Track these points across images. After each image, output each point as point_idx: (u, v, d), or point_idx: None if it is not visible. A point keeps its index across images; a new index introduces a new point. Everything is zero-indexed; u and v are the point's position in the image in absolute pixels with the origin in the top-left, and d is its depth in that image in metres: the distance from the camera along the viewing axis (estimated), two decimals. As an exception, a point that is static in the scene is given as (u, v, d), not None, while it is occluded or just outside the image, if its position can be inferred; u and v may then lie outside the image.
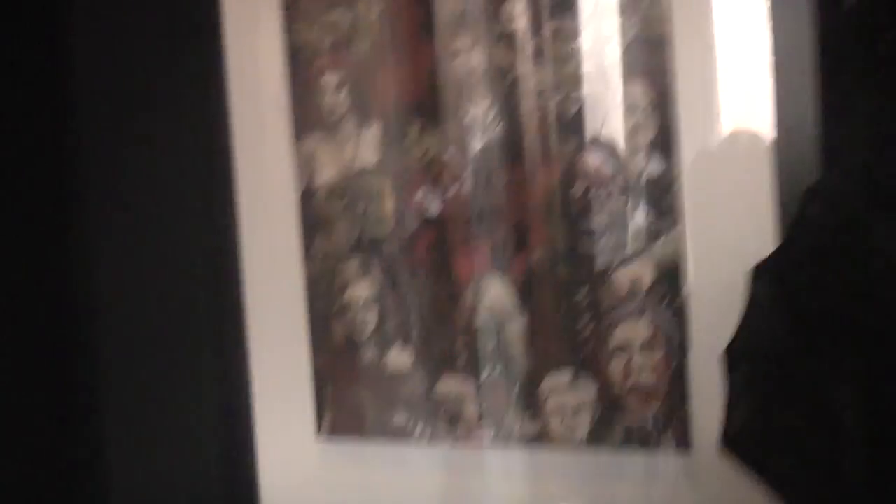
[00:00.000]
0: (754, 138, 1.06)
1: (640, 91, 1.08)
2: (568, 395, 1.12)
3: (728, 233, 1.06)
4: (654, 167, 1.08)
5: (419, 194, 1.17)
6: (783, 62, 1.02)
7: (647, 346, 1.09)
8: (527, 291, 1.14)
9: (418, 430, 1.20)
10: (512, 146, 1.13)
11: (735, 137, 1.07)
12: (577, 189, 1.11)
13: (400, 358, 1.19)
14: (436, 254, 1.17)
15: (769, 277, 0.78)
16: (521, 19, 1.12)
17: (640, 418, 1.09)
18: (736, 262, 1.01)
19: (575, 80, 1.10)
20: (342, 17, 1.18)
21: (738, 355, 0.80)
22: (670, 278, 1.08)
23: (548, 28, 1.11)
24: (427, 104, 1.15)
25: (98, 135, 1.28)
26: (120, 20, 1.27)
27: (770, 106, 1.04)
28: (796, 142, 1.04)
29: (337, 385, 1.23)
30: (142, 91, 1.25)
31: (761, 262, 0.81)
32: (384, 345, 1.20)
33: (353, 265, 1.21)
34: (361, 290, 1.20)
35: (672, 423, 1.08)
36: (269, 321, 1.25)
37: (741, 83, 1.05)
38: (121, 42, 1.26)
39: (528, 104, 1.12)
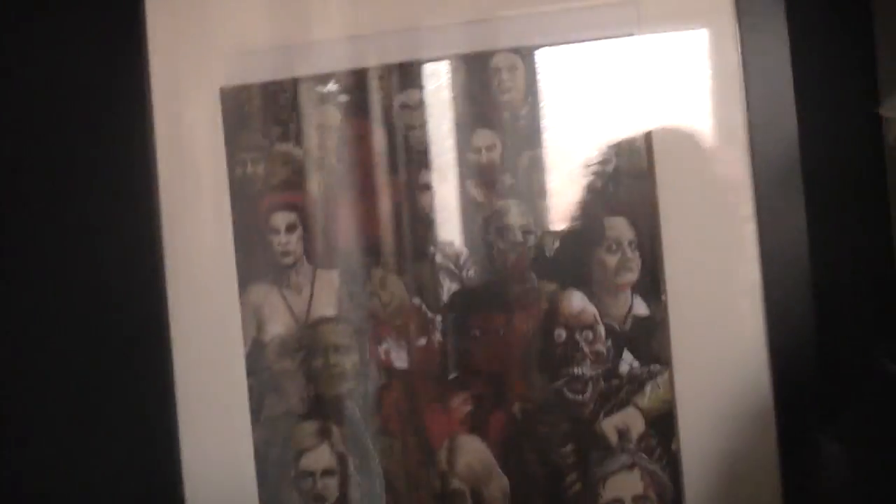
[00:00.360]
0: (744, 278, 1.32)
1: (624, 228, 1.34)
2: (556, 566, 1.33)
3: (720, 378, 1.31)
4: (639, 309, 1.34)
5: (384, 346, 1.40)
6: (767, 197, 1.30)
7: (639, 501, 1.32)
8: (507, 450, 1.36)
9: None
10: (487, 291, 1.38)
11: (723, 276, 1.33)
12: (559, 335, 1.35)
13: (366, 532, 1.39)
14: (404, 412, 1.39)
15: (843, 438, 1.00)
16: (493, 151, 1.38)
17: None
18: (729, 409, 1.27)
19: (553, 217, 1.37)
20: (294, 150, 1.44)
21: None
22: (661, 427, 1.32)
23: (525, 158, 1.38)
24: (391, 246, 1.40)
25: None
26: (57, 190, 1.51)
27: (756, 247, 1.31)
28: (786, 279, 1.31)
29: (293, 568, 1.42)
30: (72, 252, 1.49)
31: (829, 422, 1.05)
32: (347, 518, 1.40)
33: (309, 428, 1.42)
34: (320, 456, 1.42)
35: None
36: (212, 496, 1.45)
37: (727, 224, 1.32)
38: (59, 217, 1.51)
39: (503, 244, 1.37)
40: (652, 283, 1.31)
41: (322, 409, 1.39)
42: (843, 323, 1.28)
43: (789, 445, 1.28)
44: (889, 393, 1.11)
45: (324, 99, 1.41)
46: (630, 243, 1.31)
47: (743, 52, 1.30)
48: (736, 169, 1.30)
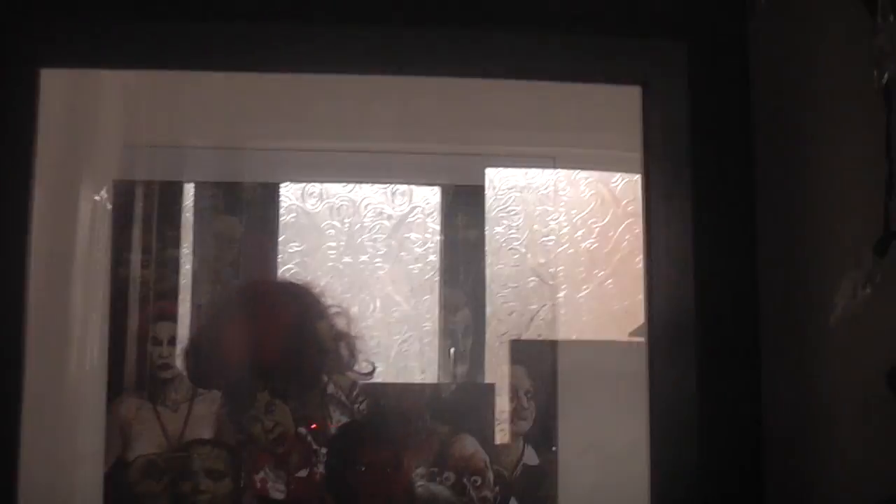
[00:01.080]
0: (632, 434, 1.36)
1: (523, 378, 1.36)
2: None
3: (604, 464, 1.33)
4: (530, 458, 1.35)
5: (261, 475, 1.34)
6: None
7: None
8: None
9: None
10: (377, 425, 1.35)
11: (613, 432, 1.37)
12: (447, 477, 1.34)
13: None
14: (277, 541, 1.33)
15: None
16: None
17: None
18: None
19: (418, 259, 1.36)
20: (186, 257, 1.37)
21: None
22: None
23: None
24: (280, 370, 1.35)
25: None
26: None
27: (646, 403, 1.36)
28: (673, 435, 1.35)
29: None
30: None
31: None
32: None
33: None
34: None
35: None
36: None
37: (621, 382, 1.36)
38: None
39: (404, 378, 1.35)
40: (544, 434, 1.32)
41: (188, 537, 1.31)
42: (726, 478, 1.33)
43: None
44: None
45: (225, 207, 1.36)
46: (527, 392, 1.32)
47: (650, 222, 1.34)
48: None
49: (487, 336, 1.32)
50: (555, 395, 1.33)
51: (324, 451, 1.32)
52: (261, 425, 1.33)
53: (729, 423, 1.35)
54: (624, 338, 1.35)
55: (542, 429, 1.33)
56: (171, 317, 1.36)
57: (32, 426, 1.29)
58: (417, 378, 1.34)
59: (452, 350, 1.33)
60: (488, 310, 1.33)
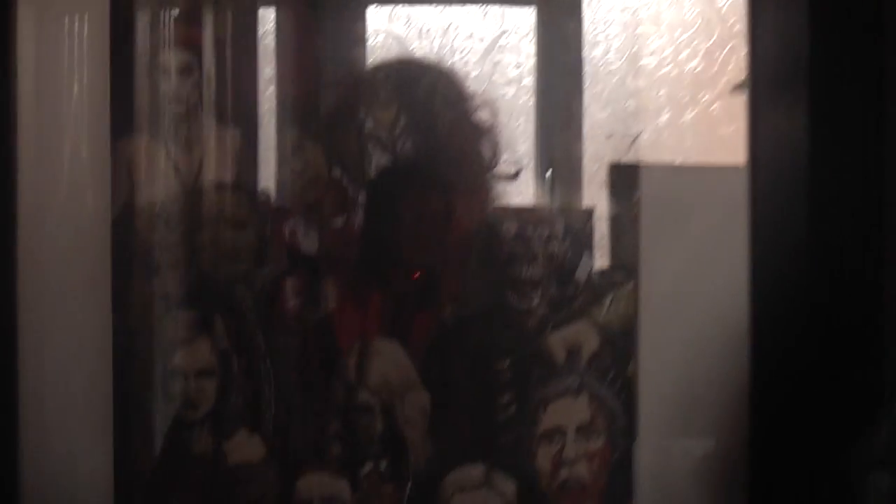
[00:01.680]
0: (731, 185, 1.14)
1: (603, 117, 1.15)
2: (479, 495, 1.13)
3: (692, 294, 1.13)
4: (604, 203, 1.14)
5: (291, 224, 1.16)
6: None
7: (585, 431, 1.13)
8: (431, 360, 1.15)
9: (269, 548, 1.16)
10: (423, 168, 1.15)
11: (707, 180, 1.15)
12: (507, 228, 1.14)
13: (247, 447, 1.16)
14: (307, 306, 1.16)
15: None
16: None
17: (573, 530, 1.13)
18: (699, 330, 1.09)
19: (511, 83, 1.15)
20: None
21: None
22: (618, 347, 1.13)
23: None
24: (312, 106, 1.16)
25: None
26: None
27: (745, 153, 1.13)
28: (779, 189, 1.14)
29: (153, 485, 1.17)
30: None
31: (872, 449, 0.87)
32: (224, 429, 1.16)
33: (186, 317, 1.17)
34: (197, 353, 1.17)
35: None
36: (57, 392, 1.17)
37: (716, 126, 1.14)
38: None
39: (448, 113, 1.15)
40: (624, 176, 1.11)
41: (204, 295, 1.15)
42: (837, 240, 1.12)
43: (764, 377, 1.11)
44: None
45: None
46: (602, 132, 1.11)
47: None
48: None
49: (585, 161, 1.14)
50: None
51: (362, 197, 1.13)
52: (288, 167, 1.14)
53: (844, 175, 1.13)
54: (729, 162, 1.12)
55: (621, 170, 1.12)
56: (186, 44, 1.16)
57: (30, 164, 1.12)
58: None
59: (549, 173, 1.12)
60: (585, 134, 1.11)
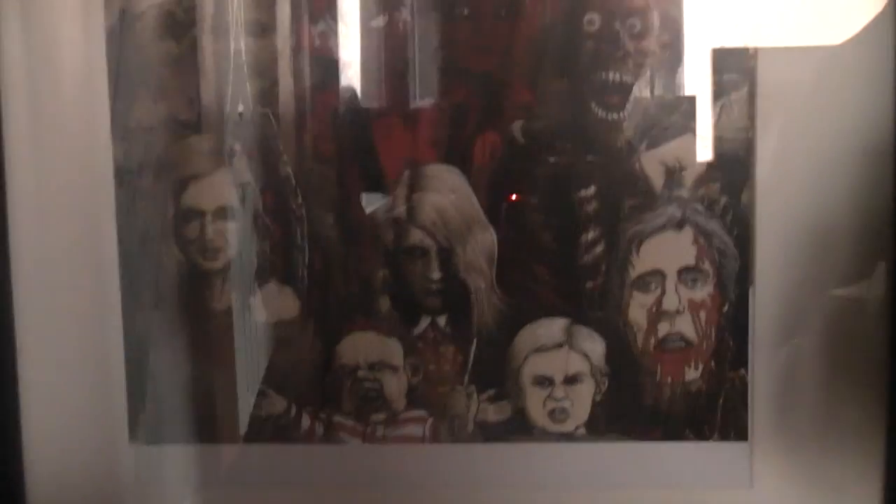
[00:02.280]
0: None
1: None
2: (559, 356, 0.92)
3: (823, 98, 0.89)
4: (713, -9, 0.91)
5: (320, 27, 0.94)
6: None
7: (689, 275, 0.91)
8: (498, 190, 0.93)
9: (305, 422, 0.97)
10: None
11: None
12: (590, 21, 0.91)
13: (278, 302, 0.96)
14: (344, 126, 0.95)
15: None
16: None
17: (673, 390, 0.91)
18: (836, 147, 0.86)
19: None
20: None
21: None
22: (730, 168, 0.92)
23: None
24: None
25: None
26: None
27: None
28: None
29: (167, 351, 0.98)
30: None
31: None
32: (250, 281, 0.96)
33: (199, 144, 0.97)
34: (213, 187, 0.97)
35: (720, 403, 0.90)
36: (51, 241, 0.98)
37: None
38: None
39: None
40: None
41: (220, 116, 0.93)
42: None
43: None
44: None
45: None
46: None
47: None
48: None
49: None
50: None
51: (407, -12, 0.91)
52: (317, -42, 0.92)
53: None
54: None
55: None
56: None
57: None
58: None
59: None
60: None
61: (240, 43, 0.95)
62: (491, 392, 0.95)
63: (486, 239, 0.93)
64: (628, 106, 0.91)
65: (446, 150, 0.93)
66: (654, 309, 0.93)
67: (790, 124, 0.91)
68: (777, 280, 0.92)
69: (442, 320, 0.94)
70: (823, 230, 0.92)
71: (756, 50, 0.90)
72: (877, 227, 0.91)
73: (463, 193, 0.93)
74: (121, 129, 0.96)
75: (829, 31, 0.90)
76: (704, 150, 0.91)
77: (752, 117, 0.91)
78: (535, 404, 0.94)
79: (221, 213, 0.97)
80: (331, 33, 0.94)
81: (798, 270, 0.92)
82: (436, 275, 0.94)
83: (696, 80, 0.91)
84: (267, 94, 0.95)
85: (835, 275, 0.92)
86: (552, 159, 0.92)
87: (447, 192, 0.93)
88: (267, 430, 0.97)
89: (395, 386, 0.96)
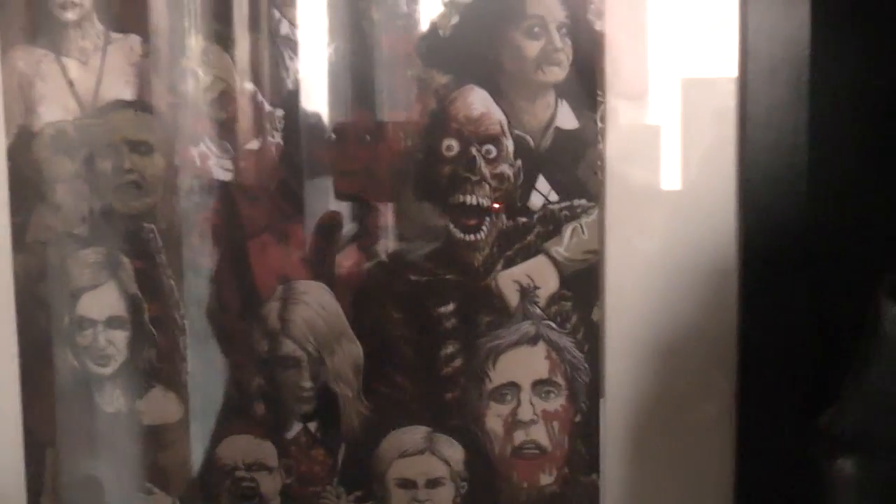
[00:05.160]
0: (720, 89, 0.97)
1: (553, 5, 0.97)
2: (421, 461, 1.00)
3: (668, 224, 0.97)
4: (565, 119, 0.98)
5: (201, 147, 1.02)
6: None
7: (542, 387, 0.99)
8: (363, 305, 1.02)
9: (187, 519, 1.05)
10: (355, 77, 1.00)
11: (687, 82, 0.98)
12: (449, 146, 0.99)
13: (163, 406, 1.04)
14: (223, 242, 1.03)
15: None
16: None
17: (528, 494, 0.99)
18: (681, 267, 0.94)
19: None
20: None
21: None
22: (580, 287, 0.99)
23: None
24: (221, 7, 1.01)
25: None
26: None
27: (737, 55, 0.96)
28: (773, 96, 0.96)
29: (63, 449, 1.06)
30: None
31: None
32: (139, 386, 1.05)
33: (91, 257, 1.05)
34: (104, 298, 1.05)
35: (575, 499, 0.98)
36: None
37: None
38: None
39: (378, 13, 0.99)
40: (585, 85, 0.94)
41: (110, 231, 1.03)
42: (839, 163, 0.94)
43: (754, 315, 0.95)
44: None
45: None
46: (560, 27, 0.94)
47: None
48: None
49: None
50: (600, 30, 0.94)
51: (280, 114, 0.99)
52: (195, 81, 1.00)
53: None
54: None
55: (582, 78, 0.95)
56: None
57: None
58: (403, 8, 0.96)
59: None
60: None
61: (126, 161, 1.03)
62: (358, 493, 1.03)
63: (353, 351, 1.01)
64: (485, 227, 0.98)
65: (316, 268, 1.01)
66: (509, 419, 1.00)
67: (639, 248, 0.98)
68: (627, 392, 1.00)
69: (313, 426, 1.02)
70: (671, 346, 0.99)
71: (604, 178, 0.97)
72: (722, 344, 0.98)
73: (331, 308, 1.01)
74: (19, 242, 1.04)
75: (676, 170, 0.97)
76: (557, 271, 0.99)
77: (601, 241, 0.98)
78: (400, 506, 1.02)
79: (112, 322, 1.05)
80: (209, 154, 1.02)
81: (647, 383, 0.99)
82: (307, 383, 1.02)
83: (549, 203, 0.98)
84: (152, 211, 1.03)
85: (682, 388, 0.99)
86: (414, 277, 1.00)
87: (317, 307, 1.01)
88: (154, 525, 1.05)
89: (270, 485, 1.04)
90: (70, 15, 1.03)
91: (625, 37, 0.98)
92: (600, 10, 0.97)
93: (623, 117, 0.98)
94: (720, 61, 0.97)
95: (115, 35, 1.03)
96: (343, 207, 1.01)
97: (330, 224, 1.01)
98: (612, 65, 0.97)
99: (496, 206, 0.98)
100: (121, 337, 1.06)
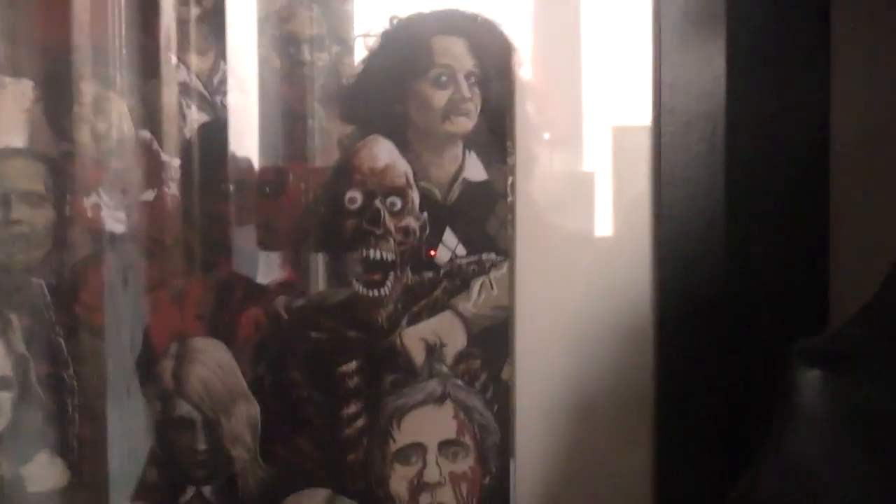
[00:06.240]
0: (634, 137, 0.96)
1: (462, 53, 0.96)
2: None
3: (580, 278, 0.94)
4: (473, 171, 0.96)
5: (93, 199, 0.98)
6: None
7: (450, 448, 0.96)
8: (261, 363, 0.98)
9: None
10: (255, 126, 0.97)
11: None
12: (352, 199, 0.96)
13: (48, 473, 0.99)
14: (115, 298, 0.98)
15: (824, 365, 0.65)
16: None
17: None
18: (594, 323, 0.91)
19: (358, 26, 0.97)
20: None
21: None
22: (490, 345, 0.97)
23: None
24: (108, 45, 0.98)
25: None
26: None
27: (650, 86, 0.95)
28: (688, 133, 0.95)
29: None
30: None
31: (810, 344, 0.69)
32: (24, 450, 0.99)
33: (-24, 313, 1.01)
34: (-11, 356, 1.00)
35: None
36: None
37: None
38: None
39: (281, 60, 0.96)
40: (494, 137, 0.92)
41: (-5, 287, 0.97)
42: (758, 213, 0.93)
43: (671, 373, 0.93)
44: None
45: None
46: (469, 76, 0.92)
47: None
48: None
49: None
50: (510, 80, 0.93)
51: (177, 163, 0.95)
52: (89, 129, 0.96)
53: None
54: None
55: (491, 130, 0.93)
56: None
57: None
58: (306, 56, 0.94)
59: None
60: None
61: (14, 211, 0.99)
62: (257, 561, 0.98)
63: (250, 411, 0.97)
64: (389, 283, 0.95)
65: (212, 324, 0.97)
66: (415, 481, 0.96)
67: (550, 304, 0.96)
68: (539, 452, 0.97)
69: (207, 490, 0.98)
70: (585, 405, 0.96)
71: (514, 232, 0.95)
72: (637, 402, 0.96)
73: (228, 366, 0.97)
74: None
75: (590, 223, 0.95)
76: (465, 327, 0.96)
77: (511, 296, 0.95)
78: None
79: (-3, 383, 1.00)
80: (102, 205, 0.98)
81: (560, 443, 0.96)
82: (201, 446, 0.97)
83: (456, 258, 0.95)
84: (41, 265, 0.99)
85: (597, 447, 0.96)
86: (314, 334, 0.96)
87: (213, 365, 0.97)
88: None
89: (163, 555, 0.99)
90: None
91: (538, 84, 0.96)
92: (509, 58, 0.95)
93: (535, 168, 0.96)
94: (636, 111, 0.96)
95: (6, 79, 0.99)
96: (242, 261, 0.97)
97: (227, 280, 0.97)
98: (523, 114, 0.95)
99: (432, 252, 0.95)
100: (5, 398, 1.01)
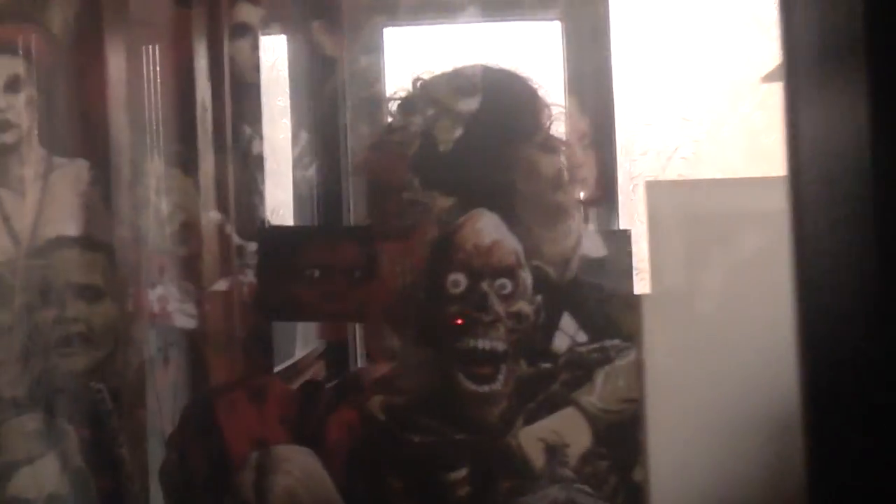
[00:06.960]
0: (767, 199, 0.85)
1: (574, 114, 0.86)
2: None
3: (718, 366, 0.83)
4: (592, 246, 0.85)
5: (159, 290, 0.88)
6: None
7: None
8: (355, 472, 0.88)
9: None
10: (336, 203, 0.87)
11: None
12: (455, 282, 0.85)
13: None
14: (186, 402, 0.88)
15: None
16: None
17: None
18: (732, 415, 0.79)
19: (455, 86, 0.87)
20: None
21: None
22: (618, 444, 0.86)
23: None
24: (182, 127, 0.88)
25: None
26: None
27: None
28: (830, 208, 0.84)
29: None
30: None
31: None
32: (83, 578, 0.89)
33: (28, 426, 0.90)
34: (43, 472, 0.90)
35: None
36: None
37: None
38: None
39: (366, 125, 0.86)
40: (614, 206, 0.82)
41: (51, 395, 0.90)
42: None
43: (825, 470, 0.80)
44: None
45: None
46: (582, 138, 0.82)
47: None
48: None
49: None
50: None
51: (254, 248, 0.85)
52: (153, 212, 0.87)
53: None
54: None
55: (609, 198, 0.82)
56: (12, 47, 0.90)
57: None
58: (398, 120, 0.84)
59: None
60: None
61: (70, 308, 0.89)
62: None
63: (344, 520, 0.86)
64: (500, 376, 0.85)
65: (297, 431, 0.86)
66: None
67: (685, 395, 0.84)
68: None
69: None
70: (728, 510, 0.84)
71: (641, 314, 0.84)
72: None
73: (318, 476, 0.86)
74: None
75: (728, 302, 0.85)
76: (589, 424, 0.85)
77: (641, 387, 0.84)
78: None
79: (52, 501, 0.90)
80: (169, 298, 0.88)
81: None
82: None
83: (576, 345, 0.84)
84: (100, 368, 0.89)
85: (746, 562, 0.84)
86: (416, 438, 0.85)
87: (300, 475, 0.86)
88: None
89: None
90: (6, 138, 0.90)
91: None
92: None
93: (664, 237, 0.85)
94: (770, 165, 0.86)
95: (58, 160, 0.90)
96: (331, 358, 0.86)
97: (313, 378, 0.86)
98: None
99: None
100: (67, 509, 0.90)
